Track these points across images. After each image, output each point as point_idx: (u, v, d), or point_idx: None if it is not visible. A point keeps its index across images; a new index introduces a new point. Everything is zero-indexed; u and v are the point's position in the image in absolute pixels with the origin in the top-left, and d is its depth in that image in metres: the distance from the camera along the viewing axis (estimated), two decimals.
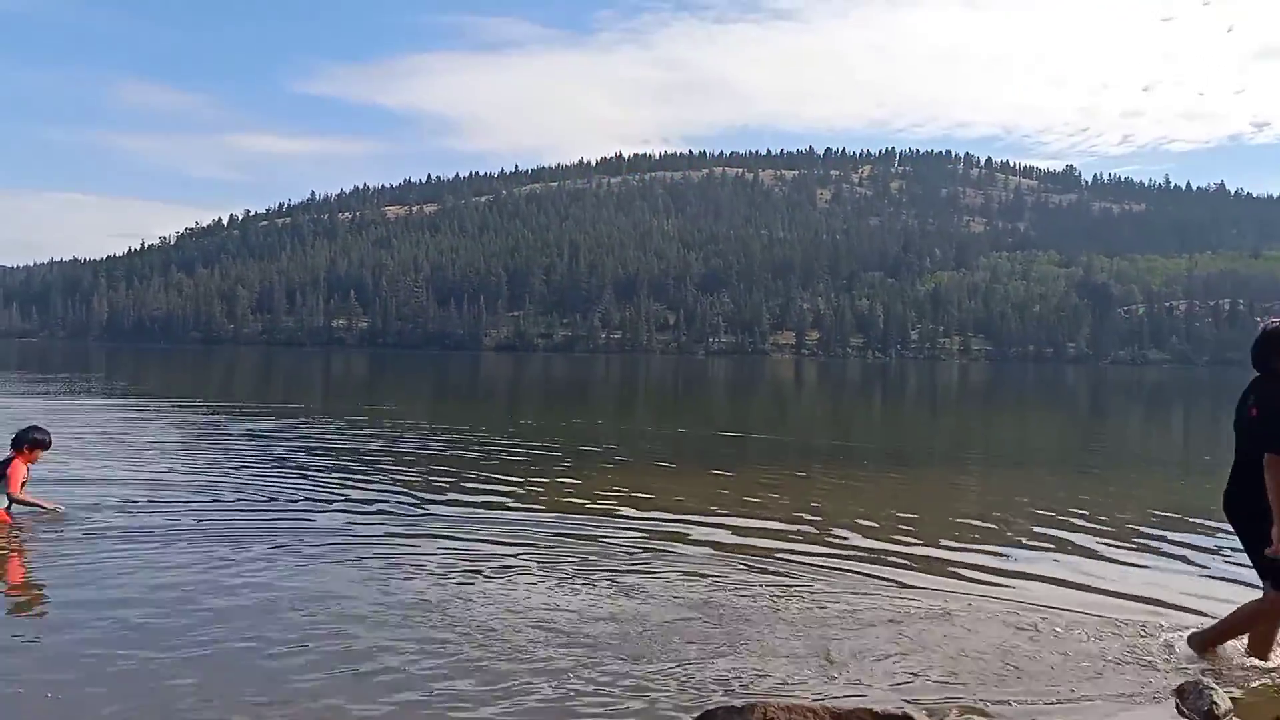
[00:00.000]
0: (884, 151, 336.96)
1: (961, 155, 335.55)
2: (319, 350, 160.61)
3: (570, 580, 7.03)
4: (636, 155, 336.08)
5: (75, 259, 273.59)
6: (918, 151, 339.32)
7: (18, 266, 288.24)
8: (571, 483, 12.21)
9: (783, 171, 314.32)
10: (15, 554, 7.70)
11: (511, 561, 7.63)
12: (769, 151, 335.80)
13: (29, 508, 8.62)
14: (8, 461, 8.63)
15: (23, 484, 8.60)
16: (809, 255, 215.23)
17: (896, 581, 7.29)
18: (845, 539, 8.92)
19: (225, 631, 5.66)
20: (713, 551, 8.21)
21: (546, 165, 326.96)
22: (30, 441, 8.74)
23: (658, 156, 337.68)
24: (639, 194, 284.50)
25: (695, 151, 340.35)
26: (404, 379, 53.18)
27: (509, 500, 10.75)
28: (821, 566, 7.70)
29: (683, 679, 5.01)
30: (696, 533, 9.02)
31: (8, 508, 8.42)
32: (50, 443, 8.99)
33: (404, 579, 7.02)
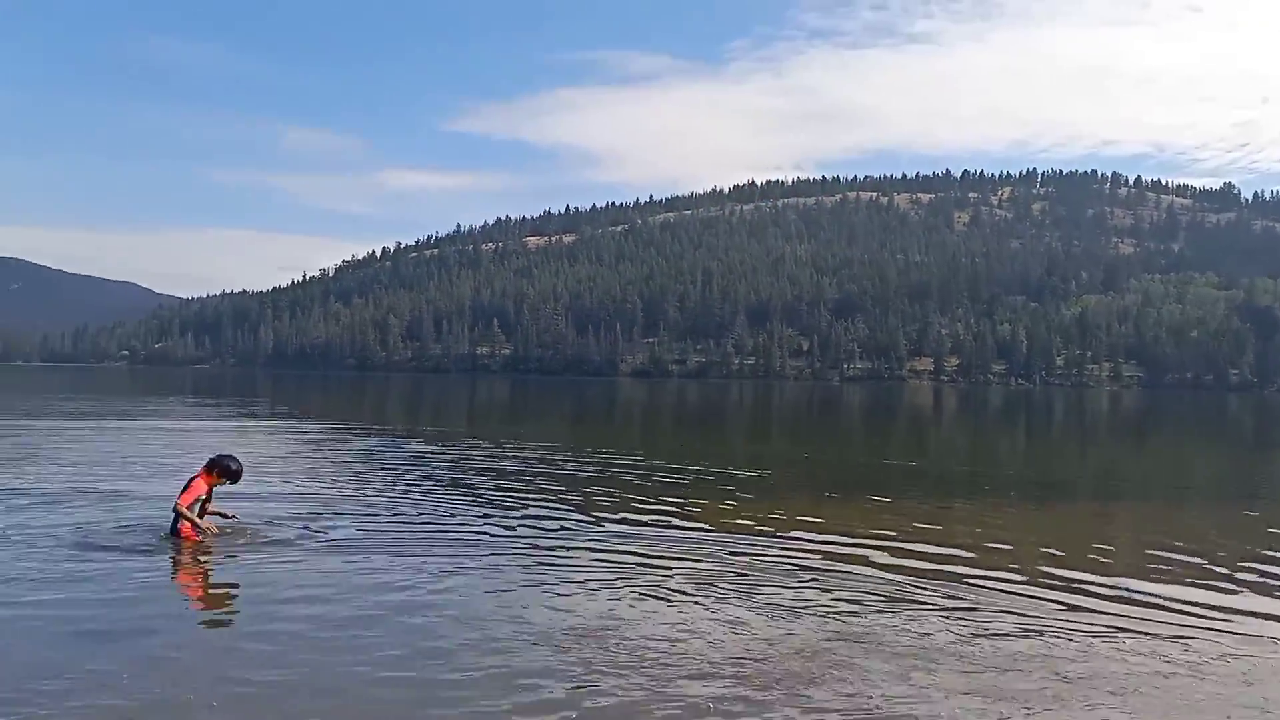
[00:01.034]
0: (1025, 173, 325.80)
1: (1109, 175, 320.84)
2: (464, 376, 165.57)
3: (751, 600, 7.09)
4: (769, 182, 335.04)
5: (244, 290, 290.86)
6: (1061, 172, 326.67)
7: (192, 298, 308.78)
8: (733, 505, 12.27)
9: (918, 195, 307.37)
10: (206, 566, 8.21)
11: (685, 579, 7.78)
12: (904, 175, 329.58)
13: (193, 523, 8.89)
14: (194, 476, 9.10)
15: (196, 501, 8.92)
16: (947, 279, 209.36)
17: (1068, 605, 7.07)
18: (1045, 570, 8.68)
19: (413, 643, 5.95)
20: (892, 576, 8.13)
21: (680, 194, 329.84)
22: (221, 468, 9.15)
23: (790, 183, 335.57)
24: (771, 220, 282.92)
25: (829, 177, 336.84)
26: (549, 404, 54.30)
27: (675, 519, 10.97)
28: (1014, 594, 7.53)
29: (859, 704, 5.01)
30: (873, 556, 8.97)
31: (192, 525, 8.83)
32: (238, 475, 9.29)
33: (587, 598, 7.21)
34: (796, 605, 7.13)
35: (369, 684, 5.23)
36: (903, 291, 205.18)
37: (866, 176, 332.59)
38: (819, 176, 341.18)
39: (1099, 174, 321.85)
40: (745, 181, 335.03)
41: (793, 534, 10.31)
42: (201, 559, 8.35)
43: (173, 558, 8.39)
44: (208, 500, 9.13)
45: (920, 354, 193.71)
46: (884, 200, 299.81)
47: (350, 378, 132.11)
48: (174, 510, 8.86)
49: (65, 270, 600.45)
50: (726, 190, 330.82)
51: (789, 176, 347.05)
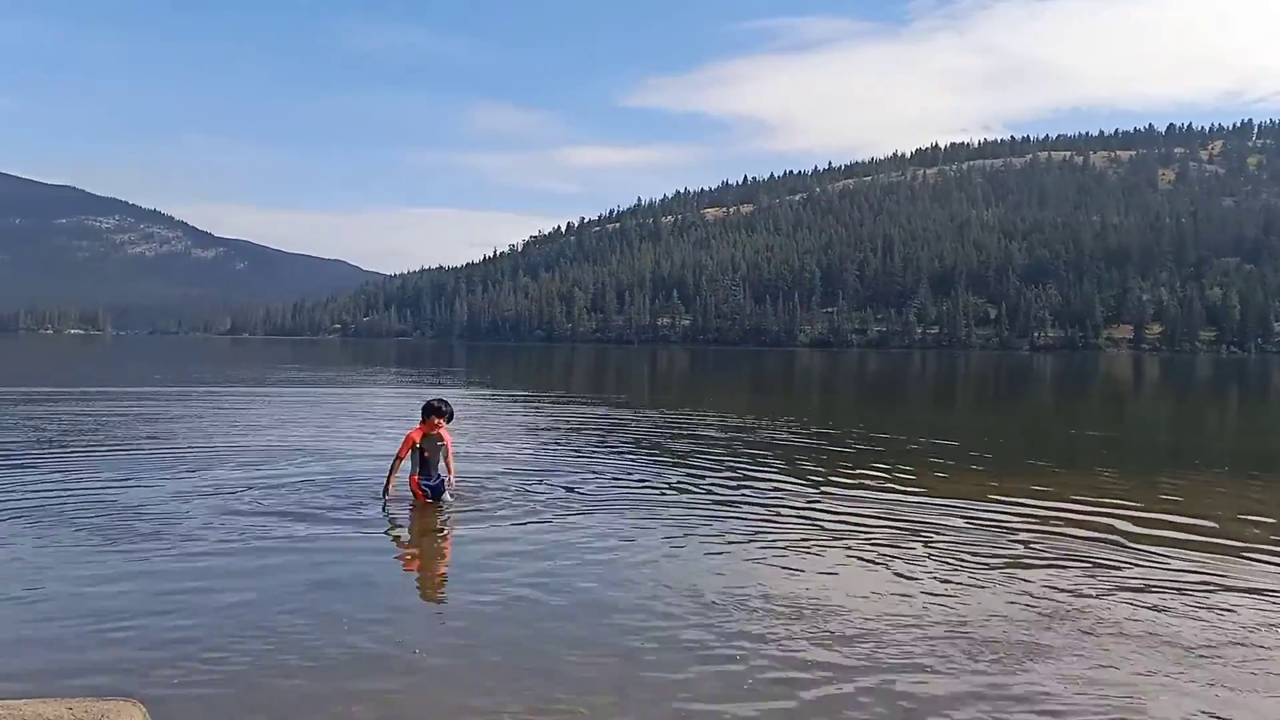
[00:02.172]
0: (1238, 125, 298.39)
1: None
2: (645, 346, 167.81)
3: (961, 566, 6.83)
4: (953, 145, 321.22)
5: (440, 266, 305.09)
6: (1278, 123, 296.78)
7: (394, 274, 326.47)
8: (932, 473, 11.77)
9: (1117, 153, 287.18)
10: (423, 524, 8.53)
11: (893, 545, 7.57)
12: (1100, 133, 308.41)
13: (389, 476, 9.09)
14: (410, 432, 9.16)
15: (411, 449, 8.95)
16: (1148, 241, 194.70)
17: None
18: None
19: (623, 606, 6.02)
20: (1106, 548, 7.64)
21: (860, 160, 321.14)
22: (425, 407, 9.11)
23: (976, 145, 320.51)
24: (956, 185, 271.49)
25: (1018, 137, 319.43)
26: (730, 373, 54.30)
27: (877, 486, 10.69)
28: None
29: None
30: (1082, 525, 8.46)
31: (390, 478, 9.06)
32: (439, 410, 9.07)
33: (796, 562, 7.10)
34: (1009, 572, 6.82)
35: (581, 645, 5.32)
36: (1099, 255, 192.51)
37: (1059, 135, 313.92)
38: (1007, 137, 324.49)
39: None
40: (928, 145, 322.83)
41: (997, 500, 9.89)
42: (418, 517, 8.65)
43: (391, 515, 8.78)
44: (431, 452, 9.01)
45: (1118, 321, 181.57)
46: (1078, 160, 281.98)
47: (538, 348, 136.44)
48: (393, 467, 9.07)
49: (284, 250, 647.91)
50: (908, 154, 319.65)
51: (975, 138, 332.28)
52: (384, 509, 8.85)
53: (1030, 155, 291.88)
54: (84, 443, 13.91)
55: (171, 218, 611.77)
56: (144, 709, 3.97)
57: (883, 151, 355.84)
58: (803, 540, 7.97)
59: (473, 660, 5.02)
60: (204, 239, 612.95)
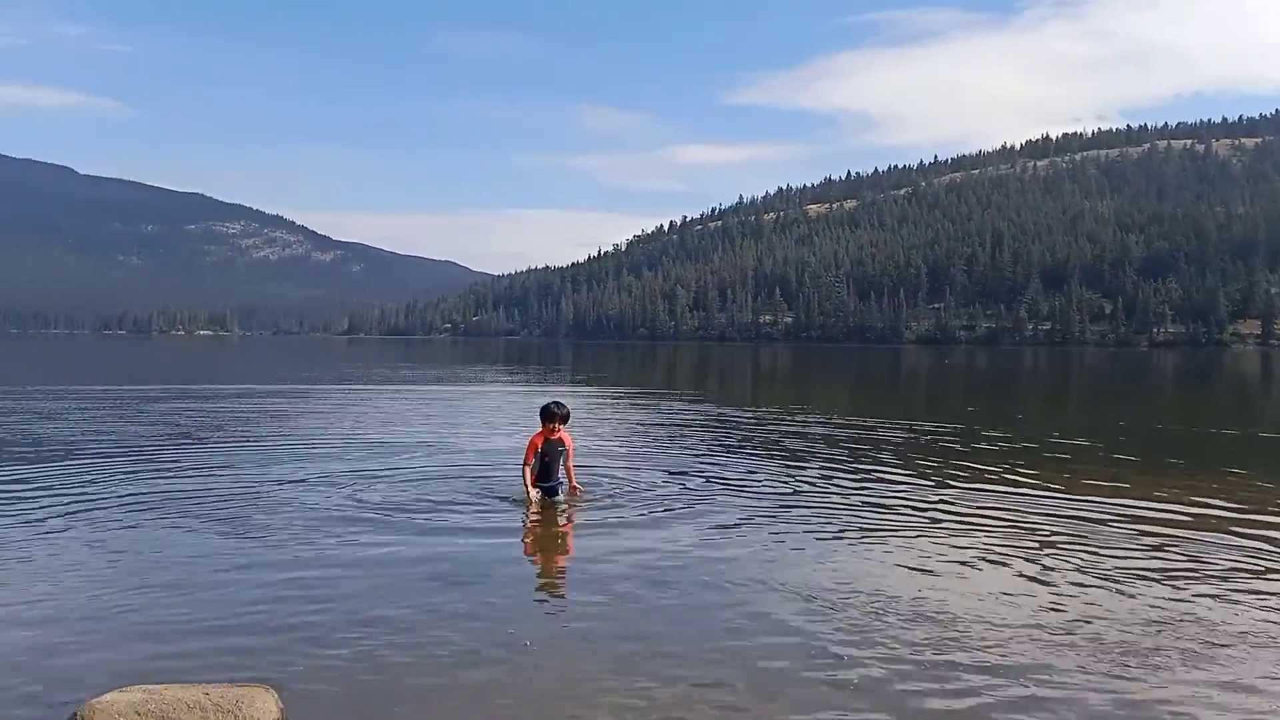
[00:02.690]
0: None
1: None
2: (748, 344, 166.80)
3: (1091, 566, 6.54)
4: (1065, 135, 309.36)
5: (547, 266, 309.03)
6: None
7: (502, 275, 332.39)
8: (1056, 470, 11.32)
9: (1241, 140, 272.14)
10: (542, 522, 8.52)
11: (1020, 543, 7.32)
12: (1224, 119, 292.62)
13: (525, 484, 8.93)
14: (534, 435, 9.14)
15: (536, 456, 8.95)
16: (1276, 232, 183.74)
17: None
18: None
19: (734, 607, 5.94)
20: (1247, 553, 7.21)
21: (967, 153, 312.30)
22: (542, 412, 9.06)
23: (1089, 134, 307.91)
24: (1068, 176, 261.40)
25: (1134, 126, 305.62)
26: (836, 371, 53.50)
27: (998, 483, 10.42)
28: None
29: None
30: (1221, 527, 7.99)
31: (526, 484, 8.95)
32: (554, 414, 8.99)
33: (918, 561, 6.91)
34: (1135, 574, 6.50)
35: (690, 642, 5.27)
36: (1223, 247, 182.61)
37: (1179, 123, 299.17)
38: (1122, 126, 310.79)
39: None
40: (1039, 136, 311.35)
41: (1123, 500, 9.48)
42: (538, 515, 8.65)
43: (511, 514, 8.79)
44: (551, 457, 9.02)
45: (1244, 316, 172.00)
46: (1199, 148, 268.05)
47: (642, 346, 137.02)
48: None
49: (397, 252, 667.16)
50: (1018, 146, 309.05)
51: (1088, 128, 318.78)
52: (527, 508, 8.72)
53: (1148, 144, 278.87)
54: (217, 437, 14.55)
55: (293, 222, 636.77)
56: (276, 695, 4.08)
57: (991, 143, 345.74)
58: (919, 538, 7.76)
59: (583, 653, 5.03)
60: (323, 243, 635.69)
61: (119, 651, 4.96)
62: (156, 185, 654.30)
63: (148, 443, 13.73)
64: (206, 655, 4.91)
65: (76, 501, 8.96)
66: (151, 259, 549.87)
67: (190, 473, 10.85)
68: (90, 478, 10.34)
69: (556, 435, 9.08)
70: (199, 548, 7.26)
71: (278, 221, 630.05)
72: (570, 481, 9.17)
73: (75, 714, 3.85)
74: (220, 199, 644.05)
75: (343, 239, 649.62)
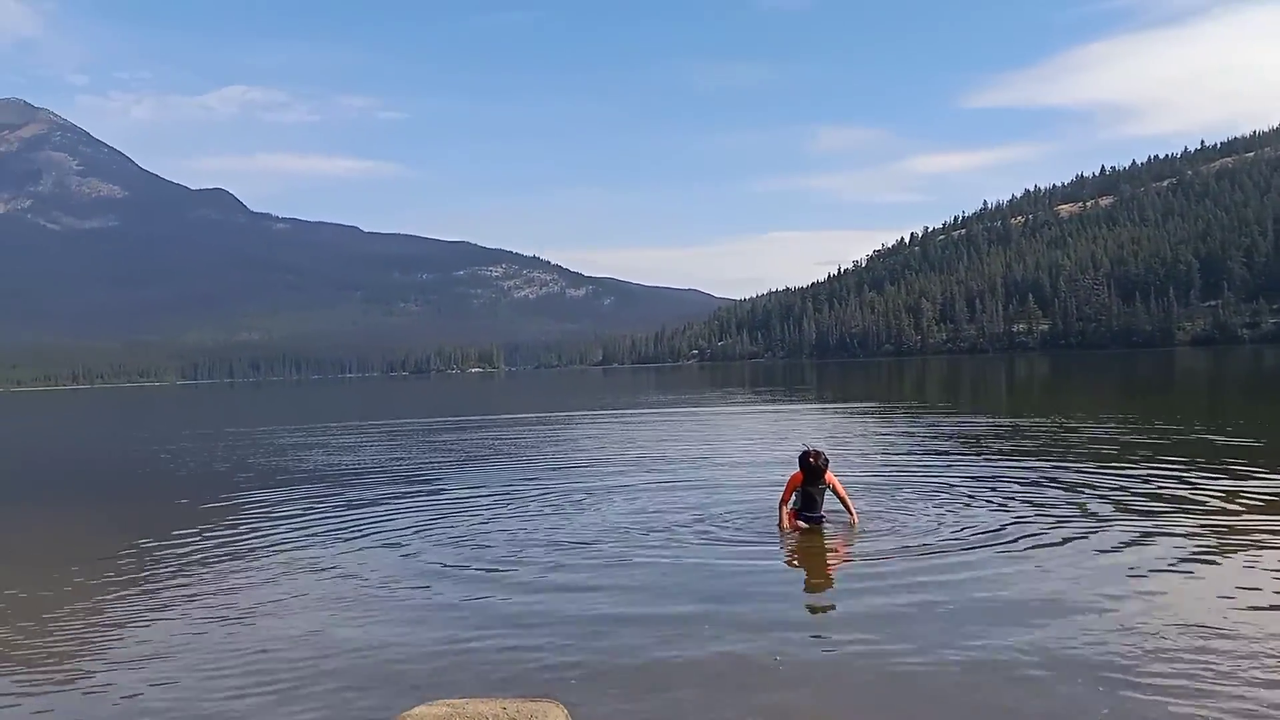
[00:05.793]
0: None
1: None
2: (1001, 355, 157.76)
3: None
4: None
5: (787, 288, 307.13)
6: None
7: (744, 299, 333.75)
8: None
9: None
10: (806, 555, 8.17)
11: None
12: None
13: (780, 518, 8.86)
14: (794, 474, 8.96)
15: (795, 494, 8.81)
16: None
17: None
18: None
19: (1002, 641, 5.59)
20: None
21: (1239, 136, 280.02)
22: (800, 462, 8.84)
23: None
24: None
25: None
26: (1108, 378, 49.42)
27: None
28: None
29: None
30: None
31: (782, 519, 8.86)
32: (808, 465, 8.73)
33: (1180, 584, 6.27)
34: None
35: (954, 676, 5.01)
36: None
37: None
38: None
39: None
40: None
41: None
42: (801, 540, 8.43)
43: (776, 536, 8.63)
44: (814, 492, 8.81)
45: None
46: None
47: (888, 363, 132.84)
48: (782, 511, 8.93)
49: (643, 284, 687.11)
50: None
51: None
52: (782, 540, 8.55)
53: None
54: (493, 461, 15.55)
55: (548, 262, 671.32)
56: (566, 710, 4.24)
57: (1266, 123, 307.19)
58: (1242, 567, 6.91)
59: (838, 676, 4.95)
60: (575, 279, 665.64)
61: (422, 665, 5.37)
62: (429, 236, 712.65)
63: (433, 469, 14.88)
64: (499, 670, 5.20)
65: (376, 521, 9.87)
66: (427, 305, 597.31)
67: (466, 496, 11.63)
68: (386, 499, 11.34)
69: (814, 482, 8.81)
70: (483, 568, 7.76)
71: (535, 262, 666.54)
72: (851, 516, 8.80)
73: None
74: (483, 244, 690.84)
75: (593, 274, 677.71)
